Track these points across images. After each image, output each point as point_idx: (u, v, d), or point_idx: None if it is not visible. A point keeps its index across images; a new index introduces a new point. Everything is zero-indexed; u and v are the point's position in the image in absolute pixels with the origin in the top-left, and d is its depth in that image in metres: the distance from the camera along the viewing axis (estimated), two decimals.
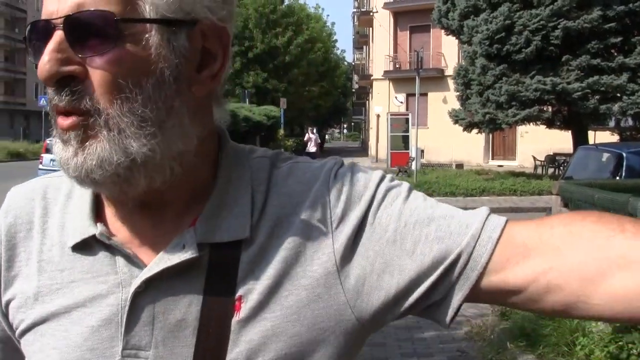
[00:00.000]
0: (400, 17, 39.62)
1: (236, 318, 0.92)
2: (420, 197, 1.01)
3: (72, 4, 0.87)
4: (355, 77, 60.99)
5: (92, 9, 0.86)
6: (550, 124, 22.77)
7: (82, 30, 0.87)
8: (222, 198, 0.98)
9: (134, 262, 0.95)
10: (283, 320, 0.93)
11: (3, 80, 74.01)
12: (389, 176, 1.03)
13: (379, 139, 39.57)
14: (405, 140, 31.65)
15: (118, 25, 0.87)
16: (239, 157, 1.04)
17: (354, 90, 73.36)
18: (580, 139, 21.04)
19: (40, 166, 23.71)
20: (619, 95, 20.50)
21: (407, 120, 32.12)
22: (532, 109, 21.19)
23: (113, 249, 0.97)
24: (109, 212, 1.01)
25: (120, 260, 0.96)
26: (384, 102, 39.24)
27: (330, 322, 0.95)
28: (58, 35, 0.87)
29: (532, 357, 5.56)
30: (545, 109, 22.02)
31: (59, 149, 0.91)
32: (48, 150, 23.77)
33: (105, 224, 0.99)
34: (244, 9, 45.48)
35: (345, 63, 74.42)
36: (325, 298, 0.95)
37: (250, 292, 0.93)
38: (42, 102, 44.52)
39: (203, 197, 0.98)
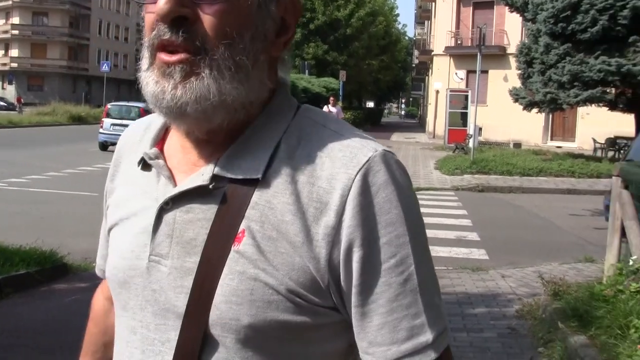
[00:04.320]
0: None
1: (235, 247, 1.03)
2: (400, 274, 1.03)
3: None
4: (416, 52, 60.28)
5: None
6: (613, 106, 22.14)
7: None
8: (249, 141, 1.08)
9: (170, 182, 1.11)
10: (267, 273, 1.02)
11: (67, 46, 75.49)
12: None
13: (437, 115, 39.32)
14: (464, 117, 31.35)
15: None
16: (286, 110, 1.13)
17: (414, 65, 72.66)
18: None
19: (101, 130, 24.36)
20: None
21: (466, 97, 31.81)
22: (595, 90, 20.63)
23: (159, 170, 1.13)
24: (169, 140, 1.18)
25: (162, 180, 1.12)
26: (443, 78, 38.86)
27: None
28: None
29: (584, 338, 5.42)
30: (608, 90, 21.44)
31: (151, 84, 1.04)
32: (109, 115, 24.42)
33: (162, 149, 1.16)
34: None
35: (406, 38, 73.84)
36: (307, 270, 1.03)
37: (252, 232, 1.03)
38: (105, 67, 44.27)
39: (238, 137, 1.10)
